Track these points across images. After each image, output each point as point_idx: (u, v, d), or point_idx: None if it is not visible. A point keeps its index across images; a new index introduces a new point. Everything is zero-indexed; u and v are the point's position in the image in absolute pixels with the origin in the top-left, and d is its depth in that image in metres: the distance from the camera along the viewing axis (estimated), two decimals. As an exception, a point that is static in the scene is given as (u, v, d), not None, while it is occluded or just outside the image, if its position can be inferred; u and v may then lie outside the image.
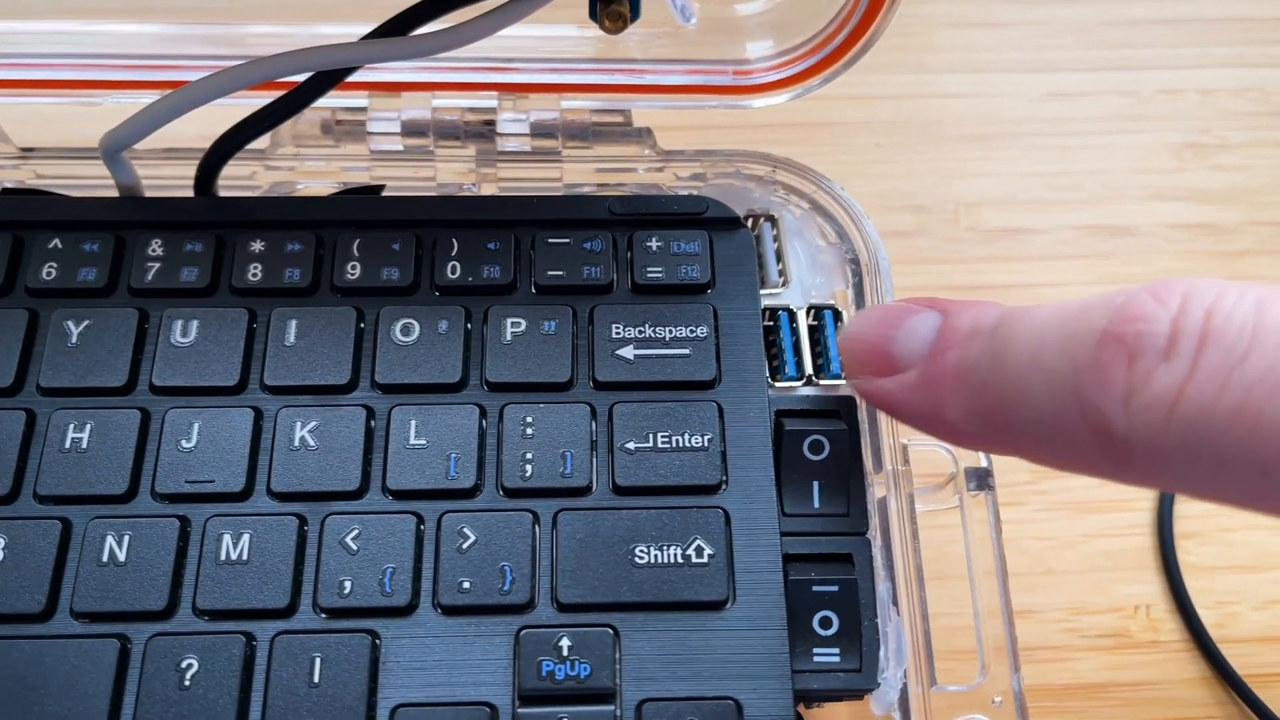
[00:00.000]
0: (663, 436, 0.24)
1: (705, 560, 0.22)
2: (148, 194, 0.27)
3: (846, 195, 0.27)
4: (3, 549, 0.22)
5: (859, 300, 0.26)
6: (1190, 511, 0.31)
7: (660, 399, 0.24)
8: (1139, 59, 0.38)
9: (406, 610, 0.22)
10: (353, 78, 0.26)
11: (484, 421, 0.24)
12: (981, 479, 0.24)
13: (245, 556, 0.22)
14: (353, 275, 0.25)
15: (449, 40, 0.24)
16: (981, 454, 0.25)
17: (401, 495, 0.23)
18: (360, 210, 0.26)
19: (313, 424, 0.23)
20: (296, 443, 0.23)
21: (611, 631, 0.22)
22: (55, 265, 0.25)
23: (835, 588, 0.23)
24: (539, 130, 0.27)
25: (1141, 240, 0.35)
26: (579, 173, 0.28)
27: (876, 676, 0.22)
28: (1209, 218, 0.36)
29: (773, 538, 0.23)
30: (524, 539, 0.22)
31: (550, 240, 0.26)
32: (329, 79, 0.25)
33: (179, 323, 0.24)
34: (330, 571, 0.22)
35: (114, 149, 0.25)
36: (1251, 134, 0.37)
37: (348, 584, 0.22)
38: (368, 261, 0.25)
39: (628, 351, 0.25)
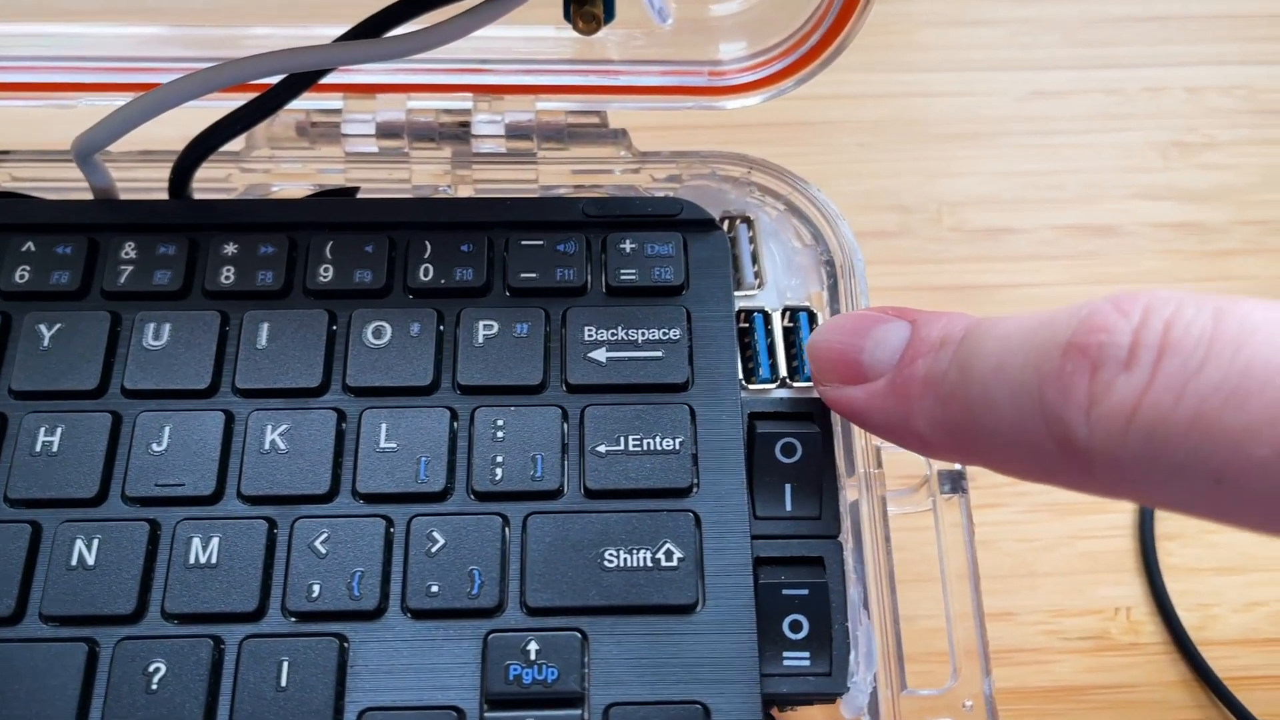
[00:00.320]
0: (634, 439, 0.24)
1: (675, 564, 0.22)
2: (123, 196, 0.27)
3: (822, 196, 0.26)
4: (-28, 553, 0.22)
5: (833, 302, 0.26)
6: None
7: (632, 402, 0.24)
8: (1124, 57, 0.38)
9: (375, 614, 0.22)
10: (327, 79, 0.26)
11: (455, 424, 0.24)
12: (955, 482, 0.24)
13: (214, 560, 0.22)
14: (325, 278, 0.25)
15: (422, 42, 0.24)
16: (954, 460, 0.25)
17: (371, 499, 0.23)
18: (334, 212, 0.26)
19: (283, 427, 0.23)
20: (267, 446, 0.23)
21: (580, 635, 0.22)
22: (28, 268, 0.25)
23: (806, 591, 0.23)
24: (514, 132, 0.27)
25: (1125, 240, 0.35)
26: (554, 174, 0.28)
27: (846, 680, 0.22)
28: (1194, 217, 0.36)
29: (743, 541, 0.23)
30: (493, 542, 0.22)
31: (524, 242, 0.26)
32: (302, 81, 0.25)
33: (151, 325, 0.24)
34: (299, 575, 0.22)
35: (86, 151, 0.25)
36: (1238, 132, 0.37)
37: (316, 588, 0.22)
38: (340, 264, 0.25)
39: (600, 354, 0.24)
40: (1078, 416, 0.17)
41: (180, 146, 0.26)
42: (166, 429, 0.23)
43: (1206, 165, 0.36)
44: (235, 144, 0.26)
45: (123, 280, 0.25)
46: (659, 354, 0.24)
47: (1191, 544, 0.31)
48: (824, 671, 0.22)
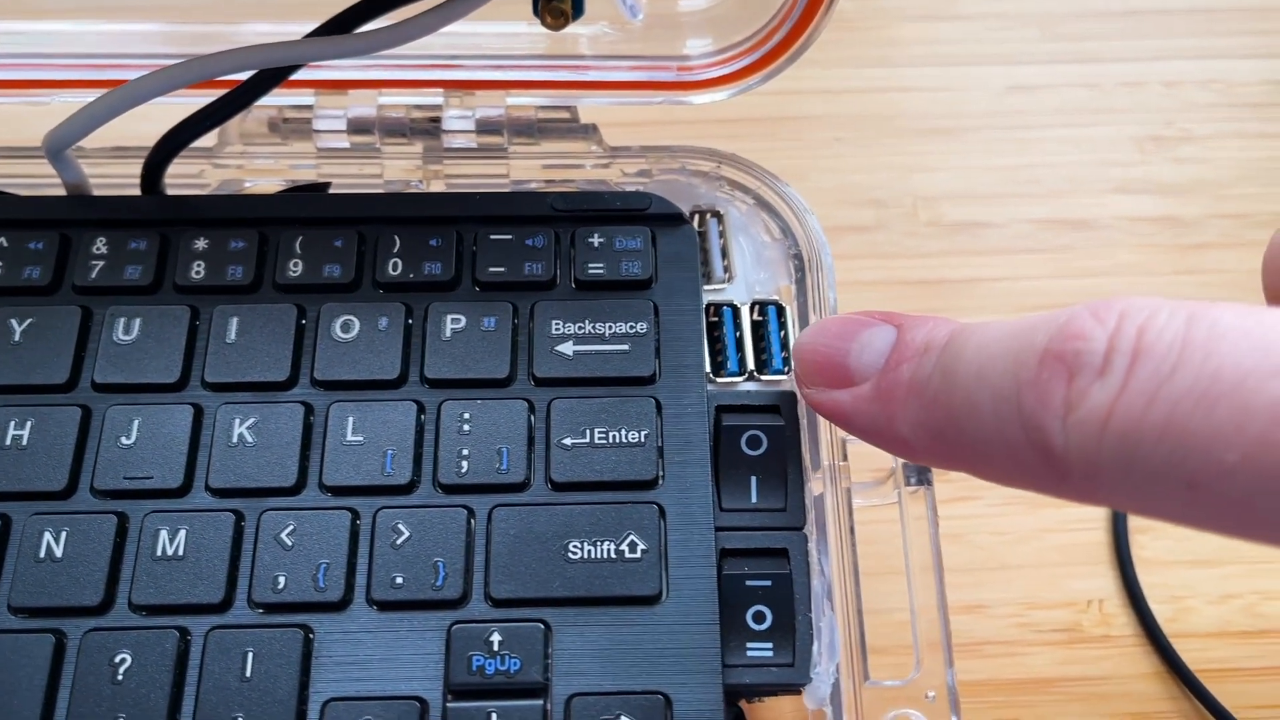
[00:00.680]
0: (600, 432, 0.24)
1: (638, 555, 0.22)
2: (96, 192, 0.27)
3: (790, 191, 0.27)
4: (-59, 545, 0.22)
5: (801, 295, 0.26)
6: (1144, 506, 0.31)
7: (598, 395, 0.24)
8: (1102, 51, 0.38)
9: (340, 605, 0.22)
10: (299, 76, 0.26)
11: (422, 417, 0.24)
12: (921, 474, 0.24)
13: (181, 552, 0.22)
14: (295, 272, 0.25)
15: (392, 38, 0.24)
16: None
17: (338, 491, 0.23)
18: (305, 208, 0.26)
19: (251, 420, 0.24)
20: (235, 439, 0.23)
21: (543, 626, 0.22)
22: (0, 264, 0.25)
23: (769, 582, 0.23)
24: (484, 127, 0.27)
25: (1101, 234, 0.35)
26: (526, 169, 0.28)
27: (809, 671, 0.22)
28: (1171, 211, 0.36)
29: (707, 532, 0.23)
30: (458, 535, 0.23)
31: (493, 237, 0.26)
32: (272, 77, 0.25)
33: (122, 320, 0.25)
34: (265, 567, 0.22)
35: (57, 147, 0.25)
36: (1215, 126, 0.37)
37: (282, 579, 0.22)
38: (310, 259, 0.25)
39: (567, 348, 0.25)
40: (1054, 423, 0.17)
41: (153, 143, 0.26)
42: (136, 422, 0.24)
43: (1183, 159, 0.36)
44: (208, 140, 0.27)
45: (94, 275, 0.25)
46: (626, 347, 0.25)
47: (1164, 537, 0.31)
48: (787, 662, 0.22)
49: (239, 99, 0.25)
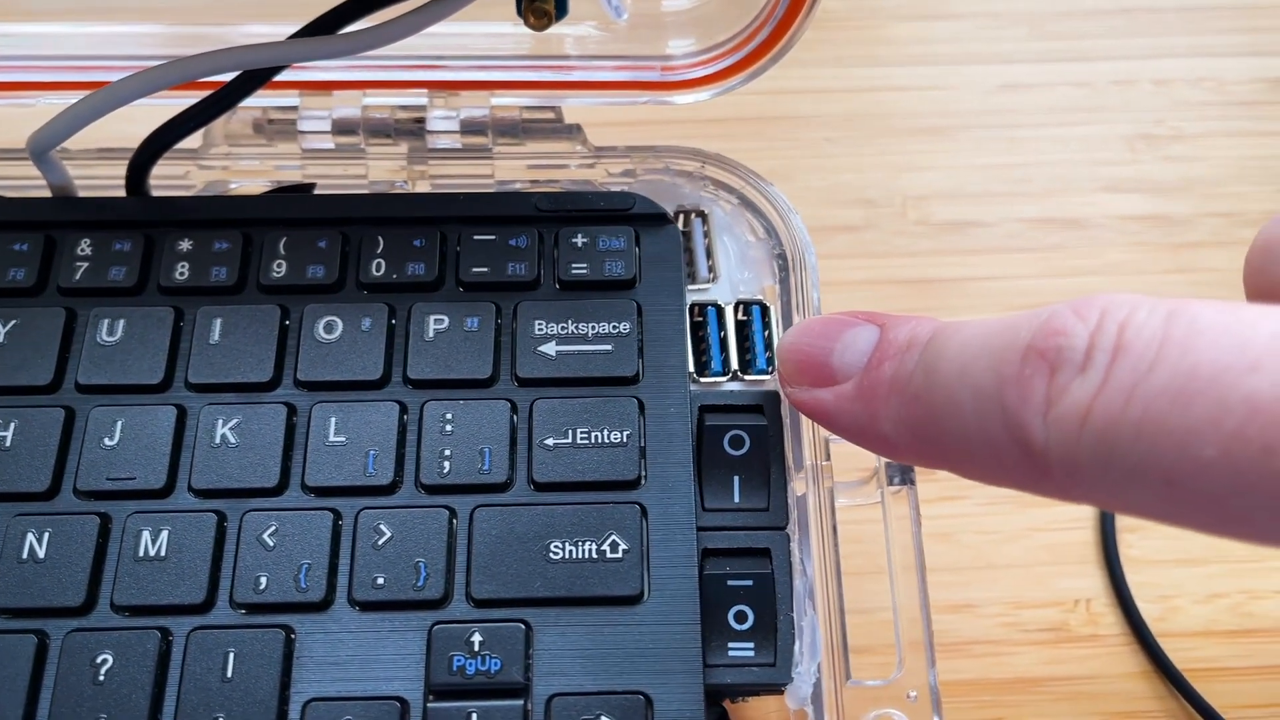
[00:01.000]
0: (582, 432, 0.24)
1: (620, 555, 0.22)
2: (81, 194, 0.27)
3: (774, 190, 0.27)
4: (-76, 546, 0.22)
5: (785, 295, 0.26)
6: (1132, 505, 0.31)
7: (581, 395, 0.24)
8: (1092, 50, 0.38)
9: (321, 606, 0.22)
10: (283, 76, 0.26)
11: (404, 418, 0.24)
12: (904, 474, 0.24)
13: (164, 553, 0.22)
14: (278, 273, 0.25)
15: (375, 38, 0.25)
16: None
17: (320, 492, 0.23)
18: (290, 209, 0.27)
19: (234, 421, 0.24)
20: (218, 440, 0.23)
21: (524, 627, 0.22)
22: (-15, 265, 0.25)
23: (751, 582, 0.23)
24: (469, 127, 0.27)
25: (1091, 233, 0.35)
26: (511, 170, 0.28)
27: (791, 671, 0.22)
28: (1161, 209, 0.36)
29: (689, 533, 0.23)
30: (440, 535, 0.23)
31: (476, 237, 0.26)
32: (256, 78, 0.25)
33: (106, 321, 0.25)
34: (247, 568, 0.22)
35: (41, 149, 0.25)
36: (1206, 124, 0.37)
37: (264, 580, 0.22)
38: (293, 260, 0.25)
39: (550, 348, 0.25)
40: (1035, 420, 0.17)
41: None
42: (119, 423, 0.24)
43: (1174, 158, 0.36)
44: (193, 141, 0.27)
45: (78, 277, 0.25)
46: (609, 348, 0.25)
47: (1152, 536, 0.31)
48: (768, 662, 0.22)
49: (223, 100, 0.25)
